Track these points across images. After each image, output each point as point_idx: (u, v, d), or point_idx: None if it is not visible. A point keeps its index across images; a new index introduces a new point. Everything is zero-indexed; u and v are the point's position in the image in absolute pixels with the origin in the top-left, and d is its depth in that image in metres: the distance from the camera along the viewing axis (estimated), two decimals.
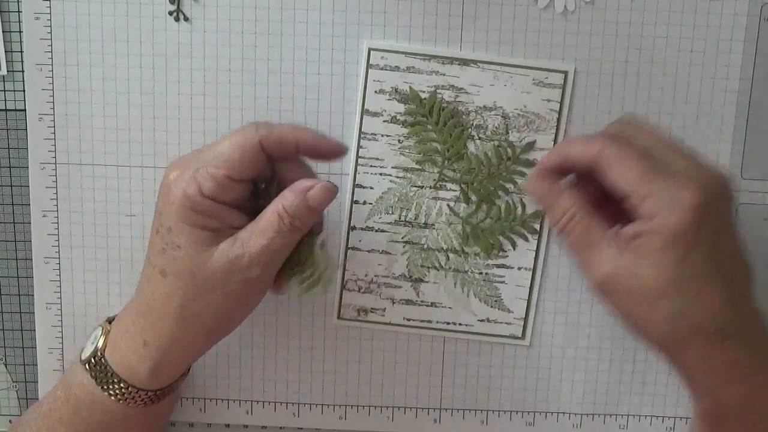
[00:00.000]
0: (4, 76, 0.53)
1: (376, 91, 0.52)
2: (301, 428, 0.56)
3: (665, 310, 0.40)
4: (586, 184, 0.45)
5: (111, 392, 0.46)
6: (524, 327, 0.54)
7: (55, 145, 0.53)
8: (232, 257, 0.43)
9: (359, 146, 0.52)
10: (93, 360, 0.47)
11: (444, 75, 0.51)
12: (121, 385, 0.46)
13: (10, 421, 0.56)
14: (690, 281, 0.40)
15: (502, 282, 0.53)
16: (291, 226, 0.43)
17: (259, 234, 0.43)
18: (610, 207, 0.44)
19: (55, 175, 0.53)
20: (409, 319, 0.54)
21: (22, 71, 0.52)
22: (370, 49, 0.51)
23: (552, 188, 0.44)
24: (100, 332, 0.48)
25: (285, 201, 0.43)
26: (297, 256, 0.46)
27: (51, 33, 0.52)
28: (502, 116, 0.52)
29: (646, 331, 0.41)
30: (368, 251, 0.54)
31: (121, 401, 0.46)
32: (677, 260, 0.39)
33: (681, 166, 0.41)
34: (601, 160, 0.42)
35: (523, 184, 0.46)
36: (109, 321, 0.49)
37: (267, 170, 0.46)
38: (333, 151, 0.45)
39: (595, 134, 0.44)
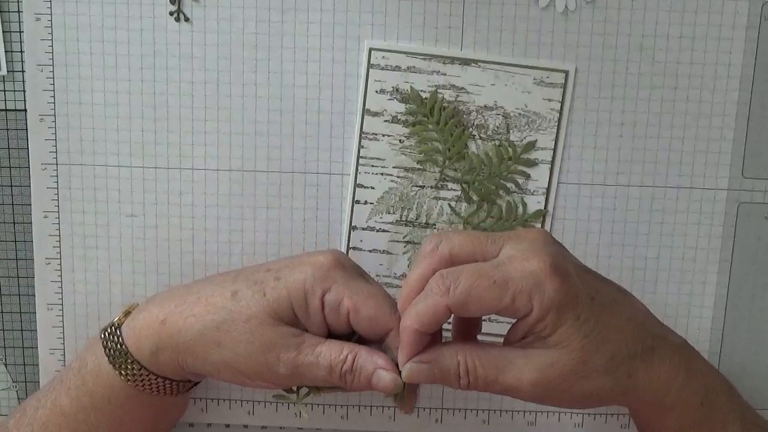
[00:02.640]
0: (4, 77, 0.53)
1: (377, 91, 0.52)
2: (302, 428, 0.56)
3: (598, 367, 0.41)
4: None
5: (117, 366, 0.47)
6: None
7: (56, 146, 0.53)
8: (281, 342, 0.43)
9: (360, 146, 0.52)
10: (109, 329, 0.48)
11: (445, 75, 0.51)
12: (128, 360, 0.46)
13: None
14: (594, 327, 0.40)
15: None
16: (342, 374, 0.43)
17: (316, 353, 0.43)
18: None
19: (56, 176, 0.53)
20: None
21: (23, 71, 0.52)
22: (371, 49, 0.51)
23: (428, 359, 0.42)
24: (125, 308, 0.49)
25: (360, 356, 0.43)
26: None
27: (52, 33, 0.52)
28: (502, 116, 0.52)
29: (600, 396, 0.42)
30: (369, 251, 0.54)
31: (122, 377, 0.47)
32: (572, 322, 0.40)
33: (507, 250, 0.41)
34: (454, 311, 0.40)
35: (404, 377, 0.42)
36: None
37: None
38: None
39: (426, 287, 0.41)
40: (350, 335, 0.46)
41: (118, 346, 0.47)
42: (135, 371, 0.46)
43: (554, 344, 0.40)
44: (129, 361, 0.46)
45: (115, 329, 0.47)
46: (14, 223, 0.54)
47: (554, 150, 0.52)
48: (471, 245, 0.42)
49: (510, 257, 0.41)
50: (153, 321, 0.46)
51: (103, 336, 0.48)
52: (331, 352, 0.43)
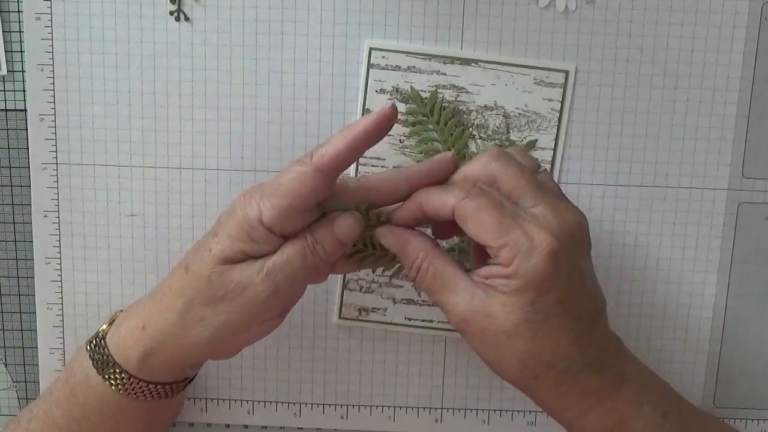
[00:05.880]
0: (4, 76, 0.53)
1: (377, 91, 0.52)
2: (302, 428, 0.56)
3: (516, 350, 0.41)
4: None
5: (105, 376, 0.46)
6: None
7: (56, 146, 0.53)
8: (246, 275, 0.43)
9: None
10: (94, 341, 0.47)
11: (445, 74, 0.51)
12: (116, 370, 0.46)
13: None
14: (540, 323, 0.41)
15: None
16: (313, 249, 0.43)
17: (282, 255, 0.43)
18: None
19: (56, 176, 0.53)
20: (410, 319, 0.54)
21: (23, 71, 0.52)
22: (371, 49, 0.51)
23: (400, 236, 0.44)
24: (110, 318, 0.49)
25: (317, 228, 0.44)
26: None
27: (52, 33, 0.52)
28: (503, 115, 0.52)
29: (500, 369, 0.43)
30: None
31: (113, 387, 0.46)
32: (528, 303, 0.40)
33: (539, 211, 0.41)
34: (456, 216, 0.42)
35: (377, 232, 0.45)
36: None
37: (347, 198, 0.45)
38: (379, 120, 0.43)
39: (453, 183, 0.43)
40: None
41: (105, 357, 0.46)
42: (124, 380, 0.46)
43: (500, 303, 0.41)
44: (117, 371, 0.46)
45: (101, 340, 0.47)
46: (14, 223, 0.54)
47: (554, 150, 0.52)
48: (515, 183, 0.42)
49: (533, 215, 0.41)
50: (134, 329, 0.46)
51: (89, 347, 0.48)
52: (293, 245, 0.43)
